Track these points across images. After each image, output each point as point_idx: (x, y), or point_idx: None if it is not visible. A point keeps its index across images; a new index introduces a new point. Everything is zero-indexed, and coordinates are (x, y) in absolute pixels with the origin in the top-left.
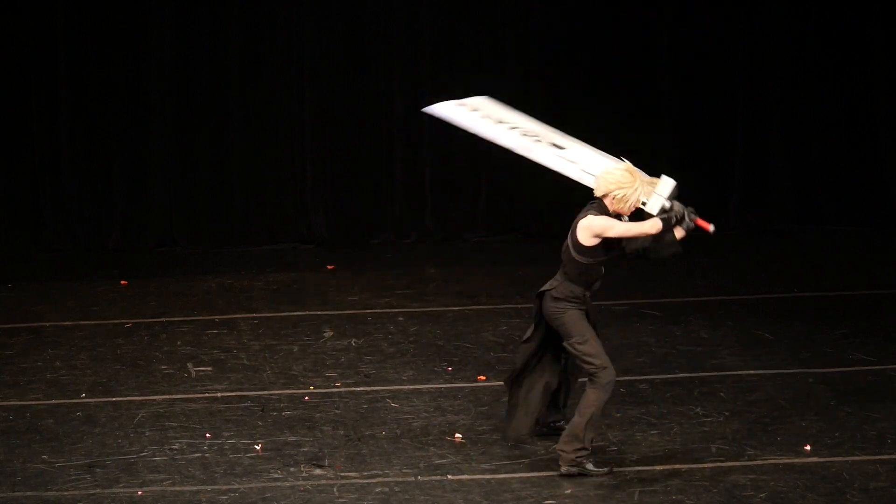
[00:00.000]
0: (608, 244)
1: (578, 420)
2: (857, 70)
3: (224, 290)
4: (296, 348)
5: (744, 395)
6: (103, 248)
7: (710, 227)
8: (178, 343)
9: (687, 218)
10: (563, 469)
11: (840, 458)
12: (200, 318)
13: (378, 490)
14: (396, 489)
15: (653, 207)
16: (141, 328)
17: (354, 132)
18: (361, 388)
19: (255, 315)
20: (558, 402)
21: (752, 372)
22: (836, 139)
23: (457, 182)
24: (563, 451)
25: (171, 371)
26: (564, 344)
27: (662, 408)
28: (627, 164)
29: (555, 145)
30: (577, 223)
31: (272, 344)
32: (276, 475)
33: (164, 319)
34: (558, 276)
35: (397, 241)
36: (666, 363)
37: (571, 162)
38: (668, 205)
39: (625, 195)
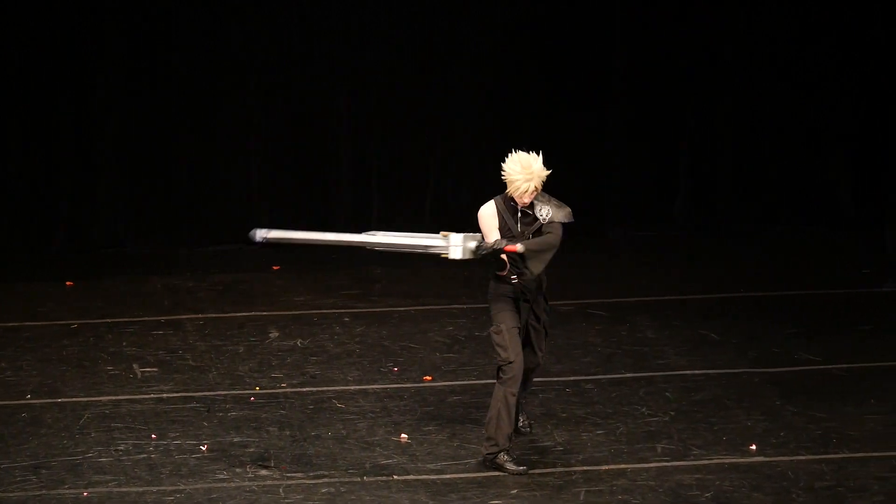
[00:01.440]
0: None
1: (489, 416)
2: (803, 70)
3: (170, 291)
4: (241, 349)
5: (689, 394)
6: (49, 249)
7: (518, 247)
8: (124, 344)
9: (494, 250)
10: (484, 460)
11: (785, 458)
12: (146, 318)
13: (324, 490)
14: (342, 489)
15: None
16: (86, 329)
17: (300, 132)
18: (307, 389)
19: (200, 316)
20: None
21: (697, 372)
22: (782, 139)
23: (403, 182)
24: (483, 444)
25: (116, 372)
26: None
27: (608, 408)
28: (528, 156)
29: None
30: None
31: (218, 344)
32: (222, 476)
33: (109, 320)
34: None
35: None
36: (612, 363)
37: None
38: (472, 245)
39: (506, 179)
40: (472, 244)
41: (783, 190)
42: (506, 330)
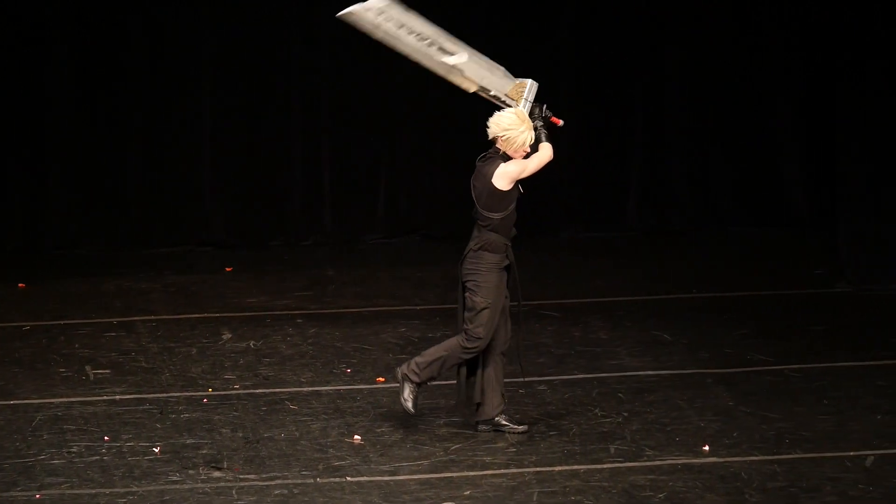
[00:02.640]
0: (507, 197)
1: (432, 351)
2: (755, 70)
3: (122, 293)
4: (194, 350)
5: (642, 395)
6: (1, 251)
7: (560, 122)
8: (77, 345)
9: (545, 115)
10: (398, 373)
11: (738, 458)
12: (99, 320)
13: (277, 492)
14: (295, 491)
15: (525, 110)
16: (39, 331)
17: (253, 133)
18: (260, 391)
19: (153, 317)
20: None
21: (650, 372)
22: (734, 139)
23: (356, 183)
24: (411, 363)
25: (69, 374)
26: (468, 295)
27: (561, 408)
28: (518, 109)
29: (444, 50)
30: (488, 177)
31: (170, 346)
32: (174, 478)
33: (62, 322)
34: (476, 235)
35: (296, 242)
36: (565, 364)
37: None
38: (532, 107)
39: (509, 137)
40: (532, 105)
41: (735, 190)
42: (493, 307)
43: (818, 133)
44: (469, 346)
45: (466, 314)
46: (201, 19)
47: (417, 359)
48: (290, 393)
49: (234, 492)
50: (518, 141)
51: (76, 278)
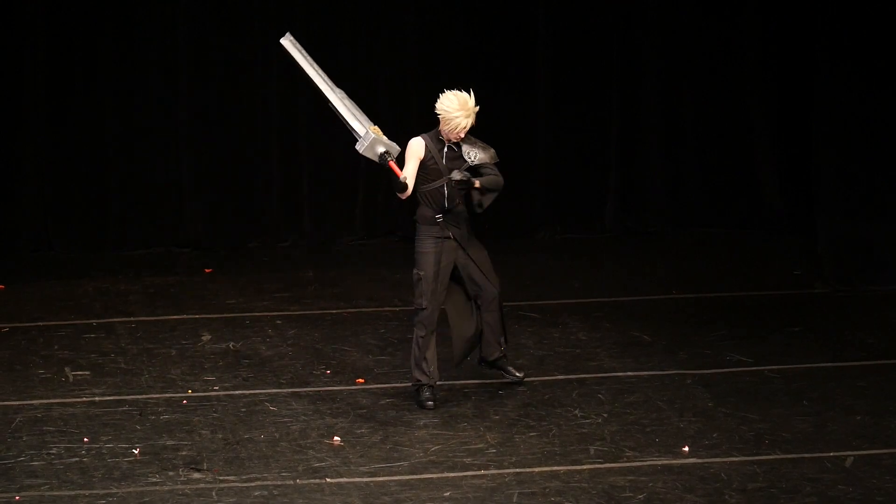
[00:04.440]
0: (425, 173)
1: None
2: (730, 72)
3: (101, 294)
4: (173, 352)
5: (622, 396)
6: None
7: (400, 174)
8: (56, 347)
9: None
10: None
11: (718, 459)
12: (77, 322)
13: (257, 493)
14: (275, 492)
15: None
16: (17, 333)
17: (231, 134)
18: (240, 392)
19: (132, 319)
20: (491, 337)
21: (630, 373)
22: (711, 142)
23: (334, 185)
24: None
25: (48, 375)
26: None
27: (541, 410)
28: (463, 93)
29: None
30: None
31: (150, 348)
32: (154, 479)
33: (41, 324)
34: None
35: (275, 244)
36: (544, 365)
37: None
38: (380, 150)
39: (444, 117)
40: (381, 149)
41: (712, 192)
42: (425, 277)
43: (795, 134)
44: (417, 318)
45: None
46: (177, 20)
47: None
48: (269, 394)
49: (213, 493)
50: (451, 123)
51: (54, 280)
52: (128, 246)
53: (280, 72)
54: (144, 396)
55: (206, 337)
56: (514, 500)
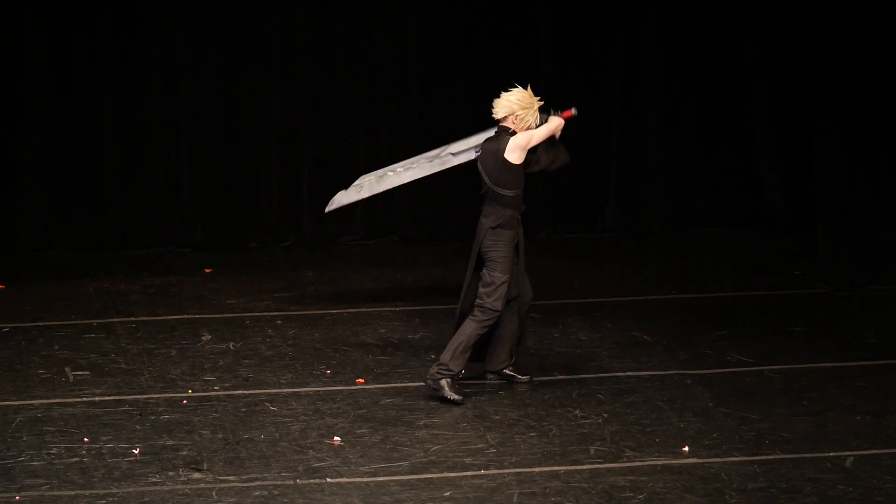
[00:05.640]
0: (526, 164)
1: (451, 344)
2: (731, 72)
3: (101, 294)
4: (174, 352)
5: (622, 396)
6: None
7: (573, 111)
8: (56, 347)
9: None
10: (427, 381)
11: (718, 459)
12: (78, 322)
13: (257, 493)
14: (275, 492)
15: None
16: (18, 333)
17: (231, 134)
18: (240, 392)
19: (132, 319)
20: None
21: (630, 373)
22: (711, 142)
23: (334, 185)
24: (434, 366)
25: (48, 375)
26: (484, 271)
27: (541, 410)
28: (528, 91)
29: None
30: (499, 153)
31: (150, 348)
32: (154, 479)
33: (41, 324)
34: (491, 212)
35: (275, 244)
36: (544, 365)
37: (441, 159)
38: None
39: (524, 116)
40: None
41: (713, 192)
42: (505, 282)
43: (797, 134)
44: (486, 318)
45: (483, 289)
46: (178, 20)
47: (442, 358)
48: (269, 394)
49: (213, 493)
50: (530, 119)
51: (55, 280)
52: (128, 246)
53: (281, 72)
54: (144, 396)
55: (207, 337)
56: (515, 500)
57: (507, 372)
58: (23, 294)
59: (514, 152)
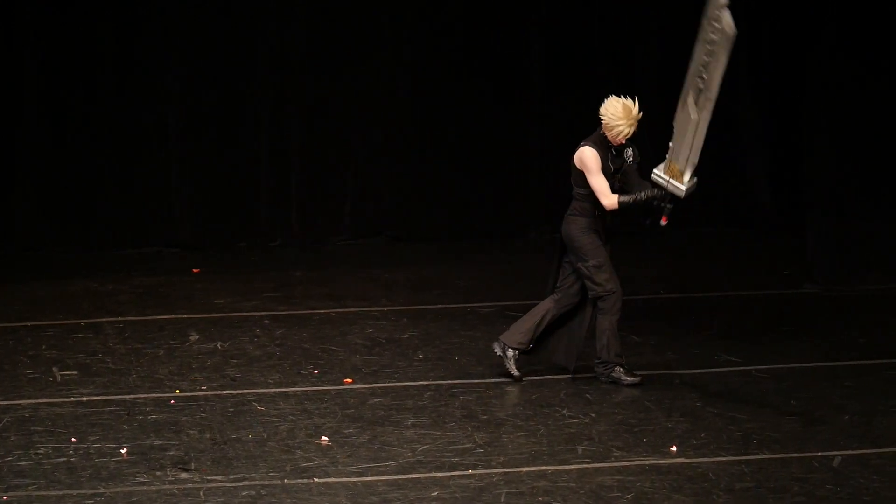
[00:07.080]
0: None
1: (598, 346)
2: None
3: (89, 294)
4: (161, 352)
5: (610, 396)
6: None
7: (664, 221)
8: (44, 347)
9: (663, 209)
10: (602, 380)
11: (706, 459)
12: (66, 321)
13: (244, 493)
14: (263, 492)
15: (662, 185)
16: (5, 332)
17: (220, 135)
18: (227, 392)
19: (120, 319)
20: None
21: None
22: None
23: (323, 185)
24: (596, 371)
25: (36, 375)
26: (577, 265)
27: (528, 409)
28: (629, 101)
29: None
30: (575, 153)
31: (138, 347)
32: (142, 479)
33: (29, 323)
34: (571, 203)
35: (264, 243)
36: (532, 365)
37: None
38: (664, 190)
39: (608, 123)
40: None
41: (702, 191)
42: (605, 263)
43: (785, 133)
44: (609, 304)
45: (587, 282)
46: (169, 20)
47: (601, 357)
48: (257, 394)
49: (201, 493)
50: (614, 130)
51: (43, 280)
52: (117, 246)
53: (270, 72)
54: (132, 396)
55: (194, 337)
56: (502, 500)
57: (514, 358)
58: (10, 294)
59: (578, 160)
